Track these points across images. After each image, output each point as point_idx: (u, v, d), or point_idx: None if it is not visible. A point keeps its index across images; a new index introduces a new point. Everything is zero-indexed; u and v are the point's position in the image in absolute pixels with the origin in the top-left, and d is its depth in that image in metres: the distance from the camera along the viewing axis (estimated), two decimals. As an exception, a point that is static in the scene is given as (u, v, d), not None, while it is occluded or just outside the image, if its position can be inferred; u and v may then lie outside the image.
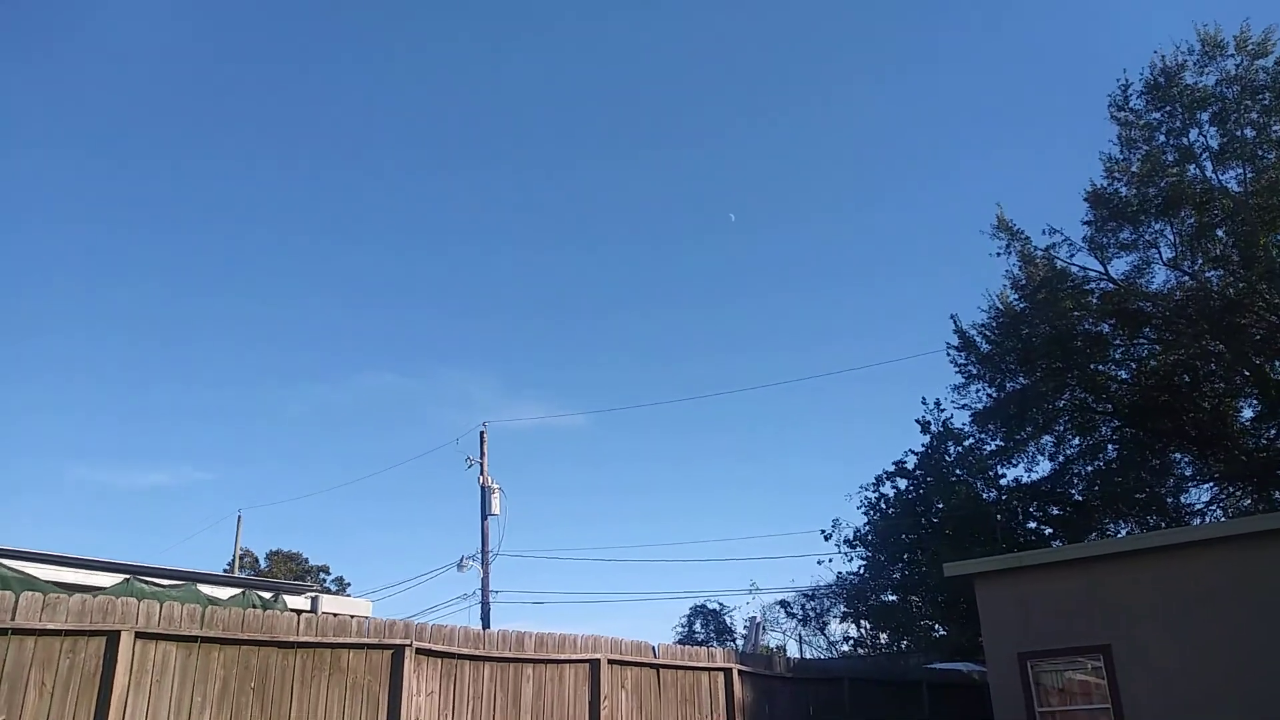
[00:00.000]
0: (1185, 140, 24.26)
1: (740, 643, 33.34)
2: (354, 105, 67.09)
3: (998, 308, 27.99)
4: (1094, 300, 26.23)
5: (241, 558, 38.26)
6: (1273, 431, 26.58)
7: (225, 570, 35.53)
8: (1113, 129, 25.39)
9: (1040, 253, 26.50)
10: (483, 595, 25.28)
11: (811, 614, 36.04)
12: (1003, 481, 29.61)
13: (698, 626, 38.85)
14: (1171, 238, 25.01)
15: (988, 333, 28.44)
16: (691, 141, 70.03)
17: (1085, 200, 25.72)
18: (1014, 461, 29.04)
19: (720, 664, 12.63)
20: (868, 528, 31.23)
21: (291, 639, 8.30)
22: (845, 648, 34.19)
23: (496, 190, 72.84)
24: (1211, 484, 27.71)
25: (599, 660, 10.91)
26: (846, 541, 31.57)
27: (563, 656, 10.62)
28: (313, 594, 10.82)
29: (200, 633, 7.78)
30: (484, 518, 26.00)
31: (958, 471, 29.79)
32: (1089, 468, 28.50)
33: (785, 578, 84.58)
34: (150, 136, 64.76)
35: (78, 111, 59.93)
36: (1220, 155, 23.77)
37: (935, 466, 30.30)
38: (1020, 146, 63.81)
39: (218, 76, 63.45)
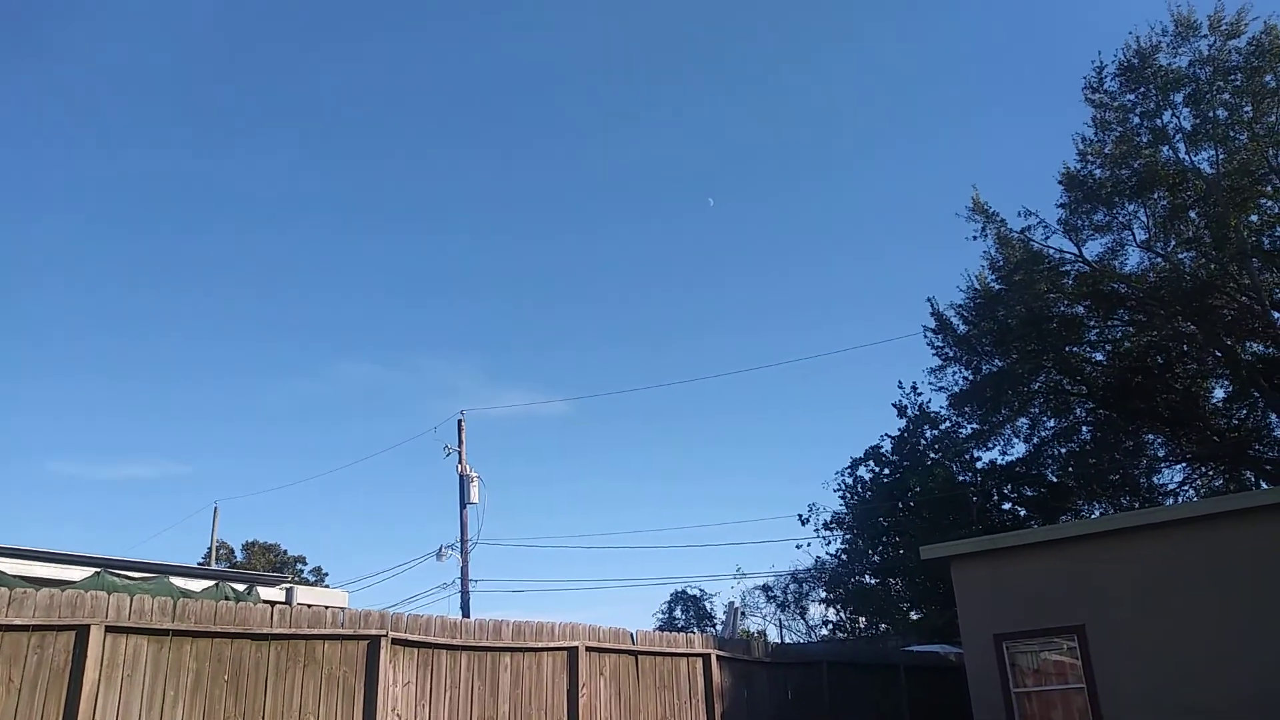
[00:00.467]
0: (1159, 122, 24.42)
1: (720, 628, 33.49)
2: (330, 91, 66.44)
3: (975, 289, 28.14)
4: (1069, 282, 26.41)
5: (218, 549, 37.94)
6: (1244, 412, 26.92)
7: (201, 563, 35.26)
8: (1087, 111, 25.56)
9: (1016, 235, 26.65)
10: (462, 584, 25.20)
11: (791, 598, 36.26)
12: (979, 464, 29.88)
13: (678, 613, 39.00)
14: (1145, 220, 25.21)
15: (965, 314, 28.61)
16: (669, 120, 69.80)
17: (1060, 182, 25.89)
18: (990, 444, 29.31)
19: (699, 650, 12.65)
20: (845, 512, 31.43)
21: (265, 631, 8.22)
22: (824, 632, 34.44)
23: (472, 175, 72.41)
24: (1184, 464, 28.08)
25: (577, 648, 10.89)
26: (825, 525, 31.77)
27: (540, 645, 10.59)
28: (287, 585, 10.72)
29: (172, 626, 7.68)
30: (463, 506, 25.91)
31: (933, 454, 30.02)
32: (1064, 449, 28.81)
33: (766, 563, 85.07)
34: (122, 128, 63.87)
35: (48, 108, 58.99)
36: (1193, 137, 23.93)
37: (911, 450, 30.52)
38: (999, 127, 64.07)
39: (191, 67, 62.63)
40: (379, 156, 69.35)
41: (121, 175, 64.43)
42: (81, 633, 7.19)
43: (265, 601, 9.13)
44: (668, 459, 72.44)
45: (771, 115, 69.02)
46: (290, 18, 63.72)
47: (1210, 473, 27.91)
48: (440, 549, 25.68)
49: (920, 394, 31.17)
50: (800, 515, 32.24)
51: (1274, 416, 25.70)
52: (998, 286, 27.39)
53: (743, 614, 33.29)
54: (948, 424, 30.21)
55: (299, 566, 45.68)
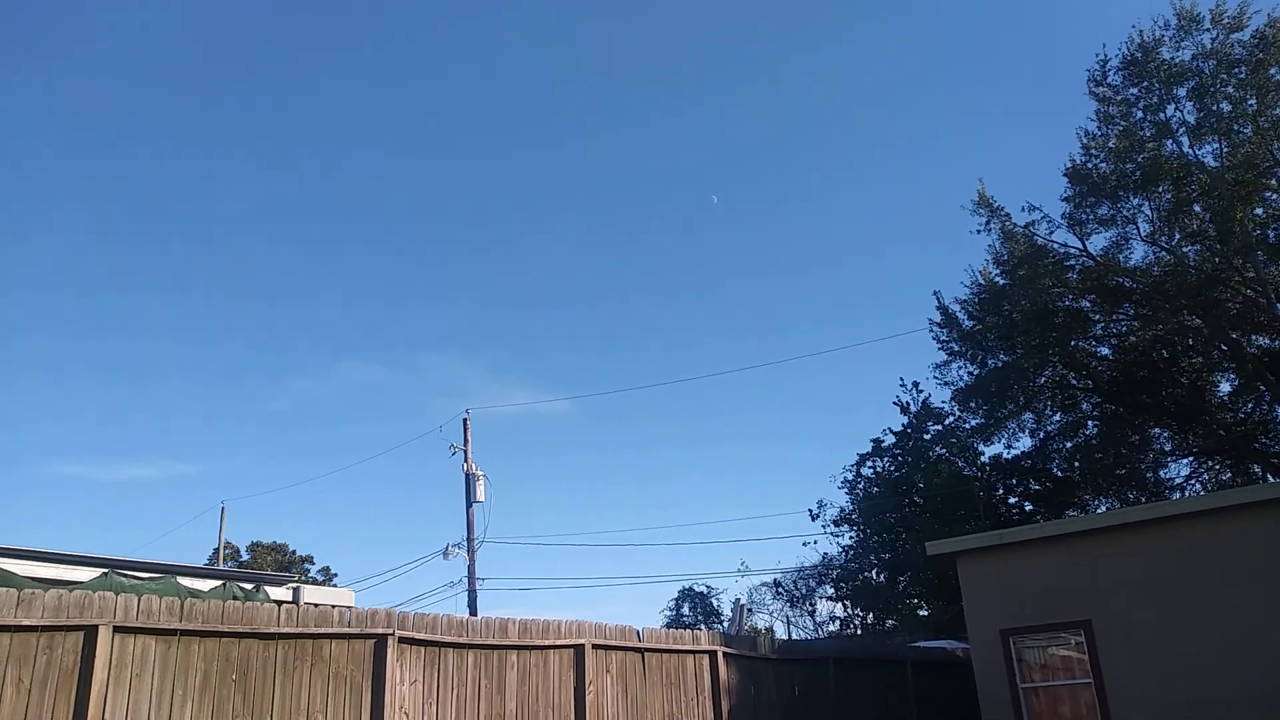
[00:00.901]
0: (1162, 115, 24.35)
1: (726, 625, 33.50)
2: (330, 95, 66.52)
3: (980, 284, 28.09)
4: (1074, 276, 26.35)
5: (224, 550, 38.01)
6: (1249, 405, 26.85)
7: (208, 563, 35.34)
8: (1091, 105, 25.51)
9: (1020, 229, 26.60)
10: (469, 583, 25.24)
11: (798, 594, 36.27)
12: (983, 459, 29.87)
13: (685, 609, 39.03)
14: (1149, 213, 25.14)
15: (970, 309, 28.56)
16: (671, 119, 69.78)
17: (1065, 176, 25.82)
18: (994, 439, 29.28)
19: (705, 646, 12.65)
20: (852, 508, 31.44)
21: (273, 630, 8.24)
22: (832, 628, 34.45)
23: (474, 176, 72.45)
24: (1190, 458, 28.02)
25: (583, 645, 10.91)
26: (833, 521, 31.79)
27: (547, 642, 10.60)
28: (294, 585, 10.75)
29: (180, 626, 7.70)
30: (469, 505, 25.94)
31: (938, 450, 30.01)
32: (1069, 444, 28.76)
33: (772, 560, 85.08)
34: (125, 130, 64.02)
35: (48, 111, 59.15)
36: (1197, 130, 23.87)
37: (914, 446, 30.51)
38: (1002, 124, 63.92)
39: (177, 72, 62.71)
40: (383, 157, 69.44)
41: (124, 176, 64.59)
42: (90, 633, 7.21)
43: (272, 601, 9.15)
44: (673, 457, 72.51)
45: (774, 114, 68.97)
46: (295, 18, 63.80)
47: (1217, 466, 27.85)
48: (447, 548, 25.73)
49: (922, 390, 31.23)
50: (810, 510, 32.36)
51: (1280, 410, 25.65)
52: (1002, 281, 27.33)
53: (749, 611, 33.34)
54: (951, 419, 30.23)
55: (307, 566, 45.78)
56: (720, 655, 12.70)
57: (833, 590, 33.40)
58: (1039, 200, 26.30)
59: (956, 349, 28.98)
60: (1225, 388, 27.50)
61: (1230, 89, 23.33)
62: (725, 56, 68.06)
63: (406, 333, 73.56)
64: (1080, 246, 25.91)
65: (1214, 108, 23.37)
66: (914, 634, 25.07)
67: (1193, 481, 27.84)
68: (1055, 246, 26.13)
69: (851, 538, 31.79)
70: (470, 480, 26.07)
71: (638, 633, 11.84)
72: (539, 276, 74.38)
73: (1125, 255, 25.76)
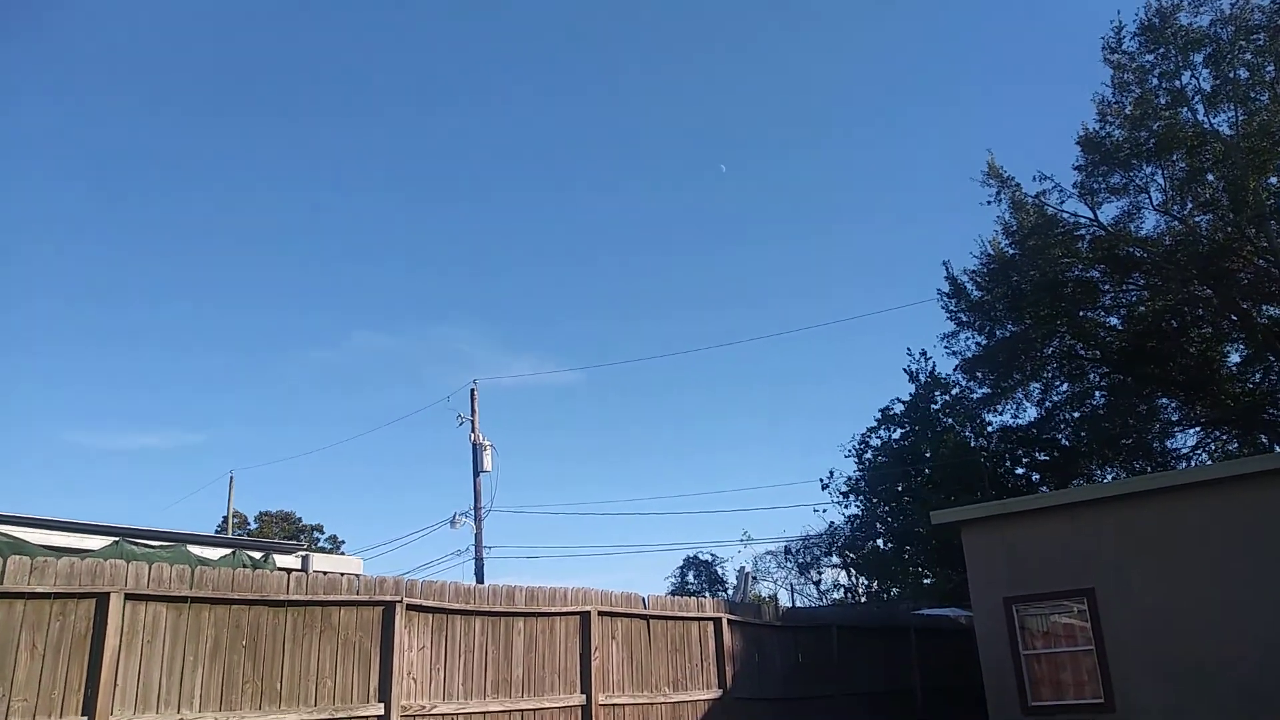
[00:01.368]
0: (1178, 83, 24.06)
1: (731, 593, 33.76)
2: (340, 56, 66.06)
3: (989, 254, 27.96)
4: (1084, 246, 26.19)
5: (233, 518, 38.36)
6: (1259, 375, 26.75)
7: (217, 531, 35.67)
8: (1106, 71, 25.20)
9: (1031, 199, 26.42)
10: (476, 551, 25.46)
11: (804, 562, 36.48)
12: (990, 429, 29.88)
13: (690, 577, 39.29)
14: (1162, 182, 24.92)
15: (979, 279, 28.45)
16: (681, 87, 69.18)
17: (1078, 144, 25.58)
18: (1001, 409, 29.27)
19: (710, 614, 12.76)
20: (861, 478, 31.55)
21: (282, 597, 8.35)
22: (836, 596, 34.67)
23: (486, 142, 72.08)
24: (1198, 428, 27.97)
25: (589, 612, 11.01)
26: (841, 492, 31.91)
27: (553, 609, 10.71)
28: (303, 553, 10.86)
29: (190, 593, 7.81)
30: (476, 474, 26.11)
31: (945, 419, 30.03)
32: (1077, 413, 28.75)
33: (777, 528, 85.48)
34: (138, 95, 63.80)
35: (67, 76, 58.89)
36: (1212, 98, 23.58)
37: (922, 415, 30.54)
38: (1013, 95, 63.23)
39: (209, 31, 62.33)
40: (390, 124, 69.14)
41: (137, 142, 64.49)
42: (102, 600, 7.33)
43: (281, 569, 9.26)
44: (679, 426, 72.67)
45: (782, 82, 68.33)
46: (298, -16, 63.23)
47: (1224, 437, 27.81)
48: (454, 516, 25.93)
49: (930, 359, 31.20)
50: (821, 480, 32.52)
51: (1289, 380, 25.55)
52: (1012, 251, 27.20)
53: (754, 579, 33.56)
54: (958, 389, 30.23)
55: (315, 535, 46.16)
56: (725, 622, 12.82)
57: (839, 559, 33.60)
58: (1055, 168, 26.09)
59: (965, 319, 28.92)
60: (1235, 358, 27.40)
61: (1248, 55, 23.00)
62: (736, 25, 67.36)
63: (416, 302, 73.67)
64: (1091, 216, 25.74)
65: (1231, 74, 23.06)
66: (919, 602, 25.24)
67: (1199, 451, 27.84)
68: (1066, 216, 25.98)
69: (859, 506, 31.94)
70: (477, 450, 26.21)
71: (643, 600, 11.94)
72: (548, 246, 74.22)
73: (1137, 225, 25.59)
